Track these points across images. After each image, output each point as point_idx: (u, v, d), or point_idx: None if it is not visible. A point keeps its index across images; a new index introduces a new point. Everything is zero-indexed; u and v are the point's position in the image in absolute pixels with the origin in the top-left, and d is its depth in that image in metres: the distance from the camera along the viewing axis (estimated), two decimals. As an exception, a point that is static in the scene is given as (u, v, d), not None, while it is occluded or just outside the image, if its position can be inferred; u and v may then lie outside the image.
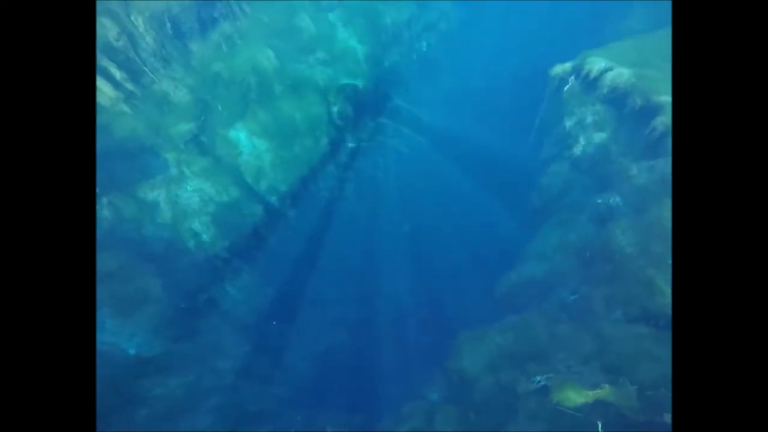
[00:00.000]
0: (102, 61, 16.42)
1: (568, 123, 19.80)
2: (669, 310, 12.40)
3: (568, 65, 20.00)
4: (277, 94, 20.52)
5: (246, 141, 19.55)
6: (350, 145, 23.68)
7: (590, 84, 19.22)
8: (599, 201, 17.47)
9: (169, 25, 17.92)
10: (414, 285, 23.89)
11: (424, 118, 26.72)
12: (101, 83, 16.68)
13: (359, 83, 22.40)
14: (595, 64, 18.73)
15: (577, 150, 19.47)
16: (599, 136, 18.90)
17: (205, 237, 17.95)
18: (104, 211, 16.00)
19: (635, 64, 18.10)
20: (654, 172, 16.77)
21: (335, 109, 21.76)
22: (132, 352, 15.04)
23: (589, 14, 24.43)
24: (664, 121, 17.01)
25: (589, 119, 19.26)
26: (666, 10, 18.83)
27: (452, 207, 25.40)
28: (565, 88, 20.25)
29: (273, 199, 19.94)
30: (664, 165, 16.78)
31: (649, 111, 17.41)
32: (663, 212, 14.63)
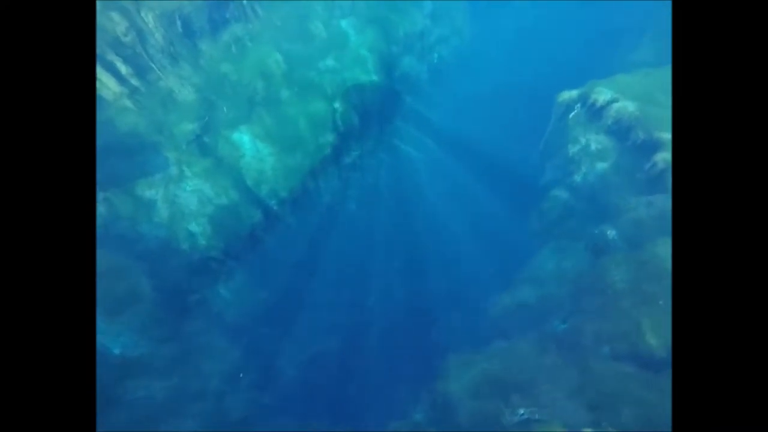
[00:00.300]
0: (108, 55, 16.28)
1: (572, 149, 19.87)
2: (655, 351, 12.51)
3: (575, 93, 20.07)
4: (283, 99, 20.44)
5: (249, 144, 19.44)
6: (354, 152, 23.65)
7: (595, 113, 19.31)
8: (596, 232, 17.56)
9: (179, 23, 17.80)
10: (409, 297, 23.86)
11: (427, 124, 26.76)
12: (106, 77, 16.54)
13: (367, 90, 22.36)
14: (602, 94, 18.83)
15: (578, 177, 19.55)
16: (601, 166, 18.98)
17: (200, 238, 17.85)
18: (100, 207, 15.88)
19: (641, 98, 18.21)
20: (652, 207, 16.88)
21: (340, 115, 21.71)
22: (117, 351, 14.95)
23: (597, 41, 24.54)
24: (665, 157, 17.14)
25: (593, 147, 19.36)
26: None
27: (452, 216, 25.45)
28: (571, 115, 20.31)
29: (272, 203, 19.83)
30: (663, 201, 16.91)
31: (651, 146, 17.52)
32: (658, 250, 14.70)
